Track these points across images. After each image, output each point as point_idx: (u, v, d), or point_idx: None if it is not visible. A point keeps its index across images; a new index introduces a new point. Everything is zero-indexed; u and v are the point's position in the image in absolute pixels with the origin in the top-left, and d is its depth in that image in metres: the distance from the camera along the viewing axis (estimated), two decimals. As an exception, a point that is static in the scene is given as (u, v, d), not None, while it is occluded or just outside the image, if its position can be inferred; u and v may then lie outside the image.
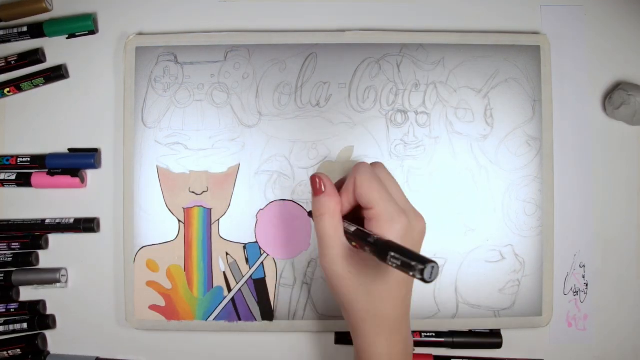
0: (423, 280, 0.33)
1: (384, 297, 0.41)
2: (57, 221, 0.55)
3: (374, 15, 0.57)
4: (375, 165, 0.45)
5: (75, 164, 0.55)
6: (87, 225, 0.55)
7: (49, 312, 0.56)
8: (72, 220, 0.55)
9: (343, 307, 0.43)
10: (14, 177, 0.55)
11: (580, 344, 0.57)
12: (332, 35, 0.55)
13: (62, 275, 0.56)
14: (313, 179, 0.43)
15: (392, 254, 0.35)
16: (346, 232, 0.42)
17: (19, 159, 0.55)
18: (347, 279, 0.41)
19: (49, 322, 0.55)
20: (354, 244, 0.42)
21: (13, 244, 0.55)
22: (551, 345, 0.57)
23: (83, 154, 0.56)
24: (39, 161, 0.55)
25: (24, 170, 0.56)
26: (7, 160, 0.55)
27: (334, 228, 0.42)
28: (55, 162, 0.55)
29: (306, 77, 0.55)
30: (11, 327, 0.55)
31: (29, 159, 0.55)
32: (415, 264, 0.33)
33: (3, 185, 0.56)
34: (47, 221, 0.55)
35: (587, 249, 0.57)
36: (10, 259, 0.55)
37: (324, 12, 0.57)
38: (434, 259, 0.35)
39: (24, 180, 0.55)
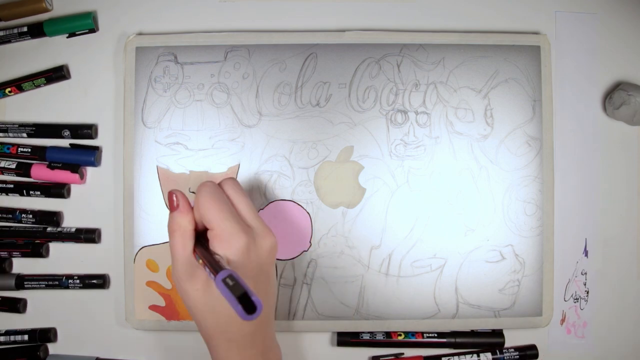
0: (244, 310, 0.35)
1: (230, 315, 0.41)
2: (59, 229, 0.55)
3: (374, 15, 0.57)
4: (225, 182, 0.46)
5: (76, 159, 0.55)
6: (89, 235, 0.55)
7: (49, 313, 0.57)
8: (73, 230, 0.55)
9: (195, 322, 0.44)
10: (14, 167, 0.55)
11: (579, 351, 0.57)
12: (332, 35, 0.55)
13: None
14: (170, 195, 0.44)
15: (201, 259, 0.39)
16: (194, 251, 0.43)
17: (19, 149, 0.55)
18: (194, 297, 0.42)
19: (50, 335, 0.56)
20: (200, 262, 0.42)
21: (14, 253, 0.56)
22: (550, 351, 0.57)
23: (84, 150, 0.56)
24: (39, 152, 0.55)
25: (24, 160, 0.56)
26: (8, 148, 0.55)
27: (183, 246, 0.43)
28: (55, 156, 0.55)
29: (306, 77, 0.55)
30: (12, 337, 0.55)
31: (29, 150, 0.55)
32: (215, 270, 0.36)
33: (2, 173, 0.56)
34: (48, 229, 0.55)
35: (588, 250, 0.57)
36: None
37: (324, 12, 0.57)
38: (227, 270, 0.36)
39: (23, 171, 0.55)
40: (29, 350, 0.55)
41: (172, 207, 0.44)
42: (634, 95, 0.54)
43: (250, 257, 0.42)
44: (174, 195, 0.44)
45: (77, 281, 0.55)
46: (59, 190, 0.55)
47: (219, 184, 0.46)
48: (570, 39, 0.57)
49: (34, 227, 0.56)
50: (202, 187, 0.44)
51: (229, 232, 0.42)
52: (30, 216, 0.55)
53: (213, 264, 0.38)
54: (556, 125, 0.56)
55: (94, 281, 0.55)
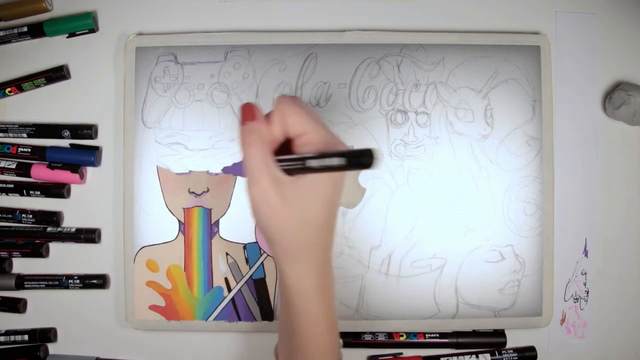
0: (365, 165, 0.33)
1: (319, 225, 0.39)
2: (59, 230, 0.55)
3: (374, 15, 0.57)
4: (296, 99, 0.43)
5: (76, 159, 0.55)
6: (88, 235, 0.55)
7: (49, 313, 0.57)
8: (73, 230, 0.55)
9: (272, 237, 0.40)
10: (14, 167, 0.55)
11: (579, 351, 0.57)
12: (332, 35, 0.55)
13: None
14: (244, 107, 0.40)
15: (335, 158, 0.35)
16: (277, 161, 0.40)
17: (19, 149, 0.55)
18: (280, 208, 0.38)
19: (50, 335, 0.56)
20: (285, 170, 0.39)
21: (14, 253, 0.56)
22: (550, 351, 0.57)
23: (84, 150, 0.56)
24: (39, 152, 0.55)
25: (24, 160, 0.56)
26: (8, 148, 0.55)
27: (264, 156, 0.39)
28: (55, 156, 0.55)
29: (306, 77, 0.55)
30: (12, 337, 0.55)
31: (29, 150, 0.55)
32: (360, 152, 0.34)
33: (2, 173, 0.56)
34: (48, 229, 0.55)
35: (588, 250, 0.57)
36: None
37: (324, 12, 0.57)
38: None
39: (23, 171, 0.55)
40: (29, 350, 0.55)
41: (246, 117, 0.40)
42: (634, 95, 0.54)
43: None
44: (249, 106, 0.40)
45: (77, 281, 0.55)
46: (59, 190, 0.55)
47: None
48: (570, 39, 0.57)
49: (34, 227, 0.56)
50: (284, 99, 0.40)
51: (326, 138, 0.38)
52: (30, 216, 0.55)
53: (317, 155, 0.36)
54: (556, 125, 0.56)
55: (94, 281, 0.55)
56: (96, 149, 0.56)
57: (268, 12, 0.57)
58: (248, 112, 0.40)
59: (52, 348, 0.56)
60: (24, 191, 0.55)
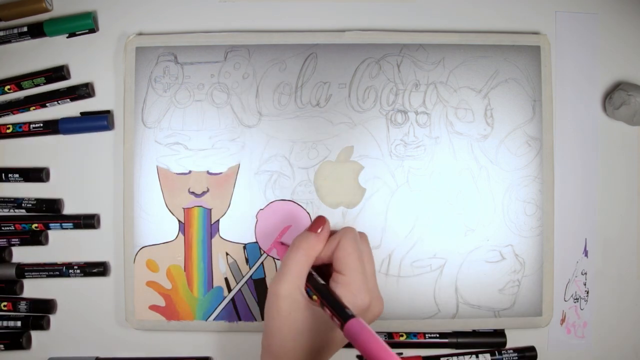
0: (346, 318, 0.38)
1: (309, 347, 0.42)
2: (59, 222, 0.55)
3: (374, 15, 0.57)
4: (362, 235, 0.48)
5: (88, 127, 0.55)
6: (87, 221, 0.55)
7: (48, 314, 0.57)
8: (71, 226, 0.56)
9: (267, 334, 0.43)
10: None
11: (579, 351, 0.57)
12: (332, 35, 0.55)
13: None
14: (320, 219, 0.46)
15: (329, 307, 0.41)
16: (308, 279, 0.44)
17: (31, 125, 0.55)
18: (284, 317, 0.42)
19: (42, 322, 0.56)
20: (313, 296, 0.43)
21: (13, 240, 0.55)
22: (550, 351, 0.57)
23: (95, 116, 0.56)
24: (52, 126, 0.55)
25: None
26: (20, 127, 0.55)
27: (302, 267, 0.43)
28: (68, 127, 0.55)
29: (306, 77, 0.55)
30: (5, 323, 0.55)
31: (41, 125, 0.55)
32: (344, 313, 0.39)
33: None
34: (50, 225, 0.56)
35: (588, 250, 0.57)
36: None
37: (324, 12, 0.57)
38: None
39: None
40: (13, 335, 0.55)
41: (312, 228, 0.46)
42: (634, 95, 0.54)
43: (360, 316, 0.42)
44: (322, 221, 0.46)
45: (78, 270, 0.55)
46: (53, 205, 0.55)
47: None
48: (570, 39, 0.57)
49: (32, 213, 0.56)
50: (349, 231, 0.45)
51: (358, 287, 0.43)
52: (31, 205, 0.55)
53: (340, 307, 0.40)
54: (556, 125, 0.57)
55: (94, 270, 0.55)
56: (107, 113, 0.56)
57: (268, 12, 0.57)
58: (317, 225, 0.46)
59: (52, 348, 0.56)
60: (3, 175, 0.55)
